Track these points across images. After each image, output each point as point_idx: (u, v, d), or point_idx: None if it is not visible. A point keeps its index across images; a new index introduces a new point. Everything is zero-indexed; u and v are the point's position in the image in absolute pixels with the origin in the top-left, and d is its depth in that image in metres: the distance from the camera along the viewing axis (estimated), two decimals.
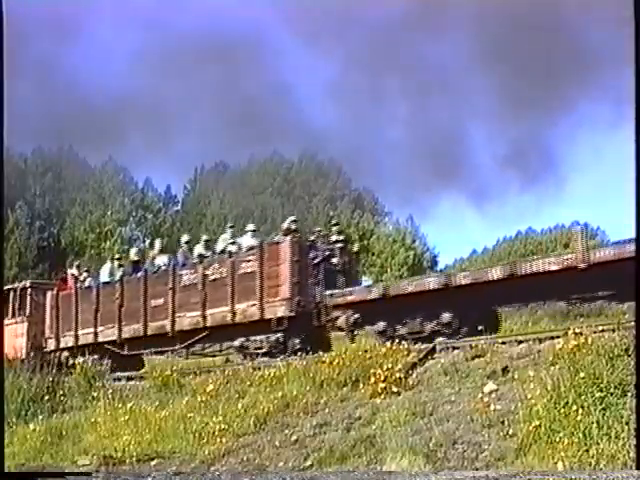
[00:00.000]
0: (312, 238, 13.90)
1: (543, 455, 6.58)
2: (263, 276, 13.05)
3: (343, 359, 10.20)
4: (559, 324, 10.76)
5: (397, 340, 10.62)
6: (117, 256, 18.20)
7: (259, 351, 13.05)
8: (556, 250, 31.97)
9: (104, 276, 16.77)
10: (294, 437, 8.69)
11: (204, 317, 14.00)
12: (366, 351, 10.32)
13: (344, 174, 51.56)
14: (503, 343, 9.52)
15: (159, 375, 12.59)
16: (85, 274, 17.94)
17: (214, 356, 14.64)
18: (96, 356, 15.53)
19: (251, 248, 13.68)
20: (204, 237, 16.09)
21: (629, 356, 7.19)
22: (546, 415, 6.97)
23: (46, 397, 13.32)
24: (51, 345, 17.23)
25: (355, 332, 12.32)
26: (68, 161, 47.92)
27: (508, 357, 9.03)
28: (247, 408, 9.85)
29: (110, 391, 12.63)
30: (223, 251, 14.49)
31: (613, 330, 8.08)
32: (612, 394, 6.85)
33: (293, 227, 13.91)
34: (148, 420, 10.56)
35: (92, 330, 16.12)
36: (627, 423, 6.43)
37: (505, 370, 8.66)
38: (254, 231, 14.73)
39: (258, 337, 13.18)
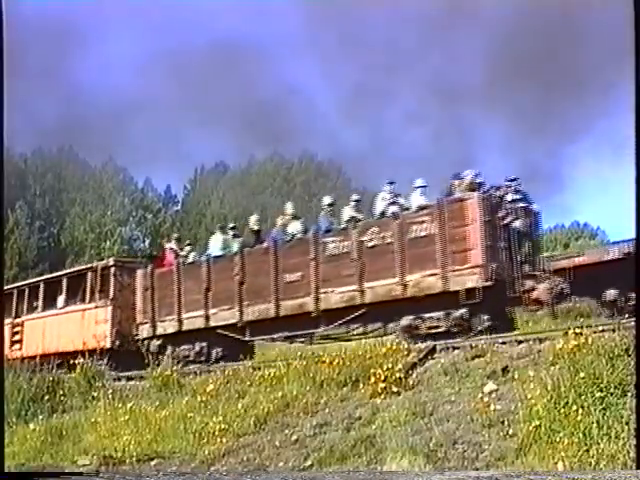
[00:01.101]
0: (498, 194, 11.38)
1: (543, 455, 6.59)
2: (445, 240, 10.84)
3: (343, 359, 10.20)
4: (559, 324, 10.76)
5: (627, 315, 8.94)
6: (231, 225, 15.32)
7: (434, 331, 10.90)
8: (556, 250, 31.96)
9: (215, 249, 14.54)
10: (294, 437, 8.69)
11: (361, 292, 11.68)
12: (366, 351, 10.33)
13: (344, 174, 51.62)
14: (503, 343, 9.51)
15: (159, 375, 12.58)
16: (188, 248, 15.73)
17: (360, 339, 12.06)
18: (204, 343, 14.00)
19: (424, 207, 11.41)
20: (354, 196, 13.25)
21: (629, 356, 7.20)
22: (546, 415, 6.97)
23: (46, 397, 13.31)
24: (144, 332, 15.06)
25: (558, 304, 10.58)
26: (68, 161, 47.97)
27: (508, 357, 9.02)
28: (247, 408, 9.85)
29: (110, 391, 12.62)
30: (383, 213, 12.17)
31: (613, 330, 8.09)
32: (612, 394, 6.86)
33: (478, 181, 11.56)
34: (148, 420, 10.56)
35: (202, 313, 13.90)
36: (627, 423, 6.44)
37: (505, 370, 8.66)
38: (423, 187, 12.10)
39: (434, 314, 10.97)
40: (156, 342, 14.79)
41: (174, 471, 8.59)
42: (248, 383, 11.00)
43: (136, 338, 15.27)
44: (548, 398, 7.19)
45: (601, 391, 6.91)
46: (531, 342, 9.26)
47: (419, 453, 7.30)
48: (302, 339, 12.89)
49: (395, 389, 9.03)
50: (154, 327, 14.85)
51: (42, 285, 19.20)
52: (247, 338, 13.37)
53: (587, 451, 6.37)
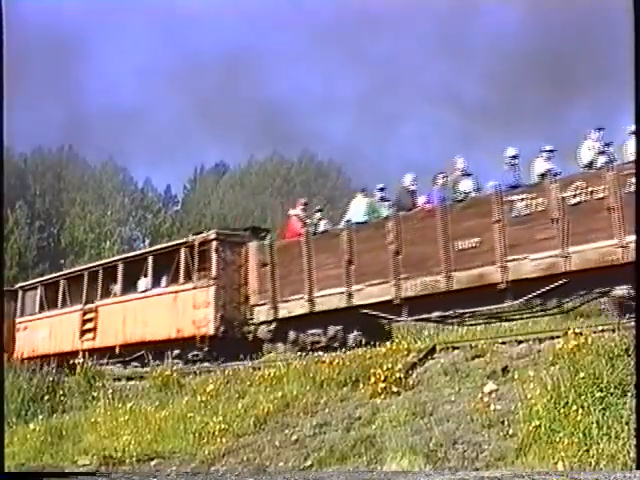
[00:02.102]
0: None
1: (543, 455, 6.59)
2: None
3: (343, 359, 10.21)
4: (559, 324, 10.76)
5: None
6: (380, 186, 12.77)
7: None
8: None
9: (357, 214, 12.43)
10: (294, 437, 8.68)
11: (565, 258, 9.87)
12: (366, 351, 10.34)
13: (344, 174, 51.62)
14: (503, 343, 9.51)
15: (159, 375, 12.59)
16: (318, 215, 13.58)
17: (554, 314, 10.69)
18: (339, 326, 12.13)
19: None
20: (547, 147, 11.25)
21: (629, 356, 7.19)
22: (546, 415, 6.97)
23: (46, 397, 13.30)
24: (261, 315, 13.08)
25: None
26: (68, 161, 47.99)
27: (508, 357, 9.02)
28: (247, 408, 9.84)
29: (110, 391, 12.62)
30: (591, 164, 10.50)
31: (613, 330, 8.09)
32: (612, 394, 6.86)
33: None
34: (148, 420, 10.55)
35: (342, 290, 11.91)
36: (627, 423, 6.44)
37: (505, 370, 8.66)
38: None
39: None
40: (271, 327, 12.91)
41: (174, 471, 8.59)
42: (248, 383, 11.00)
43: (250, 322, 13.44)
44: (548, 398, 7.19)
45: (601, 391, 6.91)
46: (531, 342, 9.26)
47: (419, 453, 7.30)
48: (466, 319, 11.26)
49: (395, 389, 9.02)
50: (275, 309, 12.82)
51: (121, 265, 16.99)
52: (404, 318, 11.42)
53: (587, 451, 6.37)
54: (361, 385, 9.44)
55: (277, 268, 12.92)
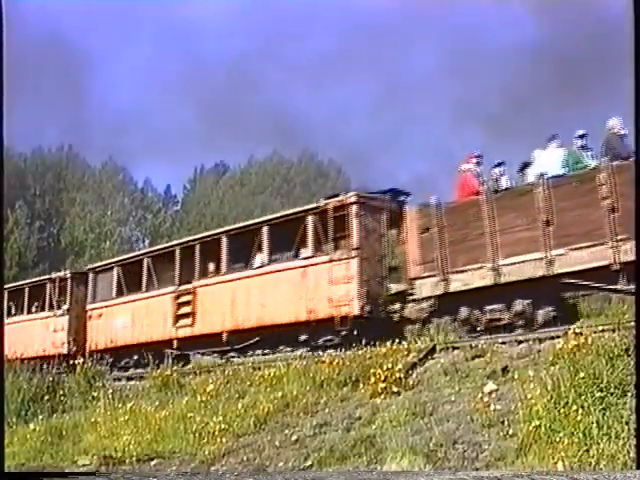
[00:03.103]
0: None
1: (543, 455, 6.58)
2: None
3: (343, 359, 10.21)
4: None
5: None
6: (580, 132, 10.88)
7: None
8: None
9: (553, 167, 10.58)
10: (294, 437, 8.68)
11: None
12: (366, 351, 10.34)
13: (344, 174, 51.61)
14: (503, 343, 9.52)
15: (159, 375, 12.59)
16: (498, 170, 11.47)
17: None
18: (527, 301, 10.28)
19: None
20: None
21: (629, 356, 7.19)
22: (546, 415, 6.97)
23: (46, 397, 13.31)
24: (426, 290, 11.20)
25: None
26: (68, 161, 48.00)
27: (508, 357, 9.03)
28: (247, 408, 9.84)
29: (110, 391, 12.62)
30: None
31: (613, 330, 8.08)
32: (612, 394, 6.85)
33: None
34: (148, 420, 10.56)
35: (539, 255, 10.08)
36: (627, 423, 6.43)
37: (505, 370, 8.66)
38: None
39: None
40: (427, 304, 11.23)
41: (174, 471, 8.58)
42: (248, 383, 11.00)
43: (411, 298, 11.47)
44: (548, 398, 7.18)
45: (601, 391, 6.91)
46: (531, 342, 9.27)
47: (419, 453, 7.30)
48: None
49: (395, 389, 9.02)
50: (445, 281, 10.97)
51: (224, 239, 14.73)
52: (624, 286, 9.47)
53: (587, 451, 6.36)
54: (361, 385, 9.44)
55: (446, 233, 11.02)
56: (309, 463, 8.02)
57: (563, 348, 8.14)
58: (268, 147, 52.46)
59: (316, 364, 10.43)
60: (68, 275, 19.23)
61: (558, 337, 8.85)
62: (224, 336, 14.03)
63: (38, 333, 19.07)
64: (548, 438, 6.74)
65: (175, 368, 13.02)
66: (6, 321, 19.68)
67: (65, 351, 18.01)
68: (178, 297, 15.15)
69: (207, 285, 14.70)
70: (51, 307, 19.16)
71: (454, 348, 9.92)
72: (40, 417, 12.54)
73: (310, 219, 13.04)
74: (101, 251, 40.18)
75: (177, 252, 15.67)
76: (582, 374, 7.16)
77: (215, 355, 14.28)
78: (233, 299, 14.01)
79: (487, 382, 8.48)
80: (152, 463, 9.21)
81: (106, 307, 17.17)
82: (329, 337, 12.45)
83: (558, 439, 6.63)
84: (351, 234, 12.32)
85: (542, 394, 7.32)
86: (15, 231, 39.91)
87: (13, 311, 20.06)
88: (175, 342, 15.03)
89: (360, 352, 10.39)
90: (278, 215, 14.50)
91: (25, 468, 10.15)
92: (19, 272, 35.08)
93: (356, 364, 9.93)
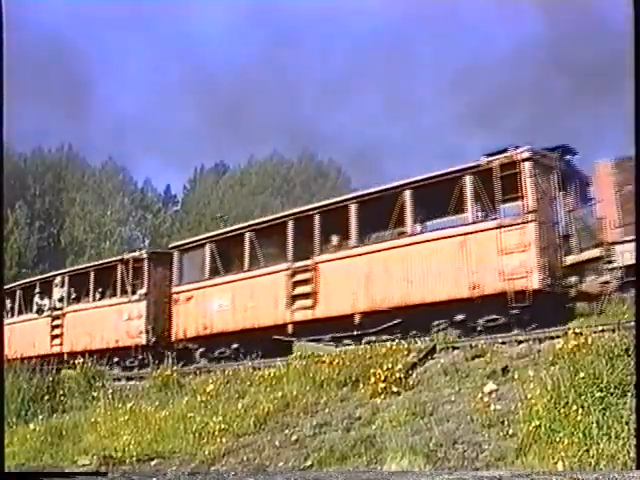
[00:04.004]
0: None
1: (543, 455, 6.58)
2: None
3: (343, 359, 10.21)
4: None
5: None
6: None
7: None
8: None
9: None
10: (294, 437, 8.68)
11: None
12: (366, 351, 10.34)
13: (344, 174, 51.63)
14: (503, 343, 9.52)
15: (159, 375, 12.59)
16: None
17: None
18: None
19: None
20: None
21: (629, 356, 7.19)
22: (546, 415, 6.97)
23: (46, 397, 13.30)
24: (629, 256, 9.95)
25: None
26: (68, 161, 48.01)
27: (508, 357, 9.03)
28: (247, 408, 9.84)
29: (110, 391, 12.62)
30: None
31: (613, 330, 8.09)
32: (612, 394, 6.85)
33: None
34: (148, 420, 10.55)
35: None
36: (627, 423, 6.43)
37: (505, 370, 8.66)
38: None
39: None
40: (616, 275, 9.95)
41: (174, 471, 8.58)
42: (248, 383, 11.00)
43: (610, 266, 10.26)
44: (548, 398, 7.18)
45: (601, 391, 6.91)
46: (531, 342, 9.27)
47: (419, 453, 7.29)
48: None
49: (395, 389, 9.03)
50: None
51: (353, 206, 12.99)
52: None
53: (587, 451, 6.36)
54: (361, 385, 9.45)
55: None
56: (309, 463, 8.02)
57: (563, 348, 8.15)
58: (268, 147, 52.53)
59: (316, 364, 10.43)
60: (145, 255, 17.22)
61: (558, 337, 8.87)
62: (356, 318, 12.37)
63: (109, 322, 17.00)
64: (548, 438, 6.74)
65: (175, 368, 13.02)
66: (69, 309, 18.16)
67: (144, 341, 16.16)
68: (293, 275, 13.40)
69: (333, 260, 13.03)
70: (124, 292, 17.20)
71: (454, 348, 9.94)
72: (40, 417, 12.54)
73: (468, 179, 11.46)
74: (101, 251, 40.23)
75: (289, 224, 13.93)
76: (582, 374, 7.16)
77: (338, 342, 12.36)
78: (368, 275, 12.38)
79: (487, 382, 8.48)
80: (152, 463, 9.20)
81: (197, 289, 15.19)
82: (492, 317, 11.06)
83: (558, 439, 6.63)
84: (525, 195, 10.82)
85: (542, 394, 7.32)
86: (15, 231, 39.94)
87: (75, 297, 18.22)
88: (290, 327, 13.31)
89: (360, 352, 10.40)
90: (421, 178, 12.36)
91: (25, 468, 10.14)
92: (19, 272, 35.10)
93: (356, 364, 9.93)
